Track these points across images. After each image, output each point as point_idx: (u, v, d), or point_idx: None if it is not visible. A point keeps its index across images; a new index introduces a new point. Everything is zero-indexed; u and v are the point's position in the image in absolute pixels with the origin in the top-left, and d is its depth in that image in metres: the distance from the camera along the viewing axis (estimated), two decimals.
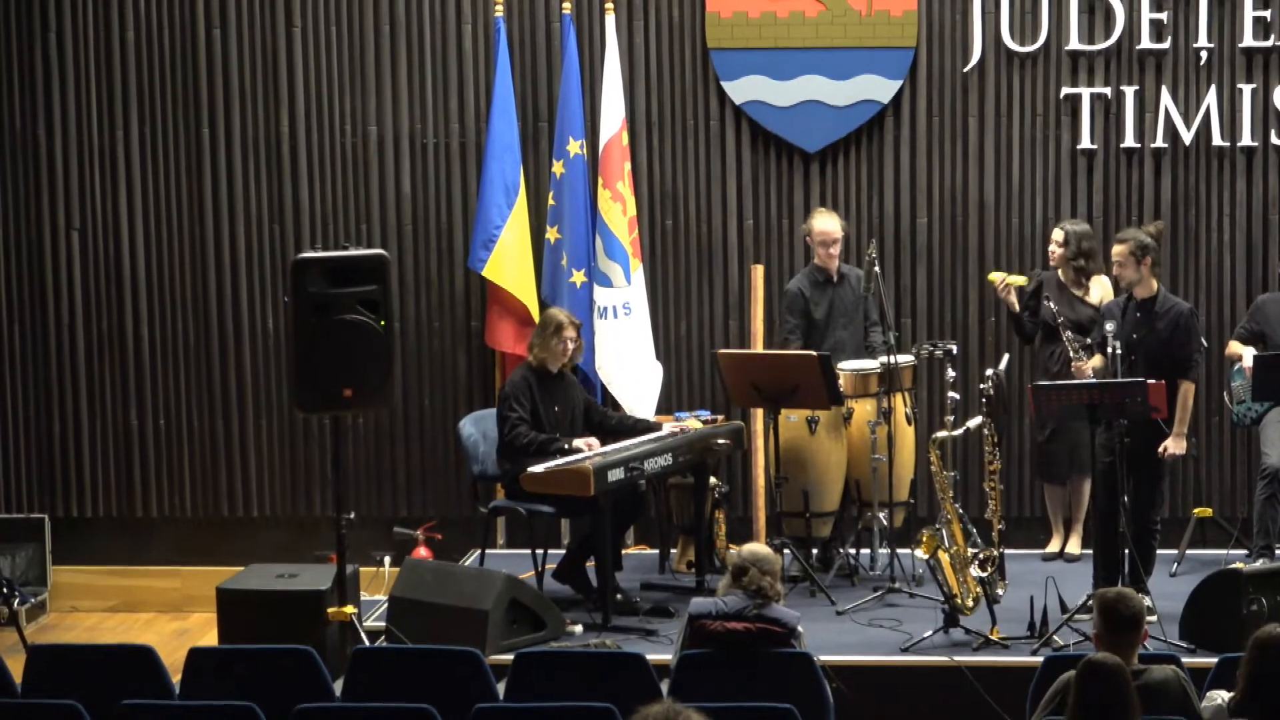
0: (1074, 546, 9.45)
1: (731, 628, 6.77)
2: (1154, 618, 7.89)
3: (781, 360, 8.93)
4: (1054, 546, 9.55)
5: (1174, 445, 8.41)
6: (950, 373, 8.75)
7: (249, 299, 10.15)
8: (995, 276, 9.25)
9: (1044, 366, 9.20)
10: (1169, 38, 9.68)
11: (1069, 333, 8.73)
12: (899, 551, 8.99)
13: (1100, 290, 9.24)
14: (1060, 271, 9.25)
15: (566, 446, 8.62)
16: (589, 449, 8.59)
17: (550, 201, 9.80)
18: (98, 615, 10.11)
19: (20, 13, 10.02)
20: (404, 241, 10.07)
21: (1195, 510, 9.70)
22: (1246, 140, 9.68)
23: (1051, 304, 8.92)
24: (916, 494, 9.44)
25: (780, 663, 6.71)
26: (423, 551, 9.85)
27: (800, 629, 6.92)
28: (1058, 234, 9.25)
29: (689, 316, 10.07)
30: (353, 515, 8.34)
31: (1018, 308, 9.23)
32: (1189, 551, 9.42)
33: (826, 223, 9.28)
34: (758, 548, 7.12)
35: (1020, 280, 9.21)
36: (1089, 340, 8.74)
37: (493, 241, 9.73)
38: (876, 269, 9.09)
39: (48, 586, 10.12)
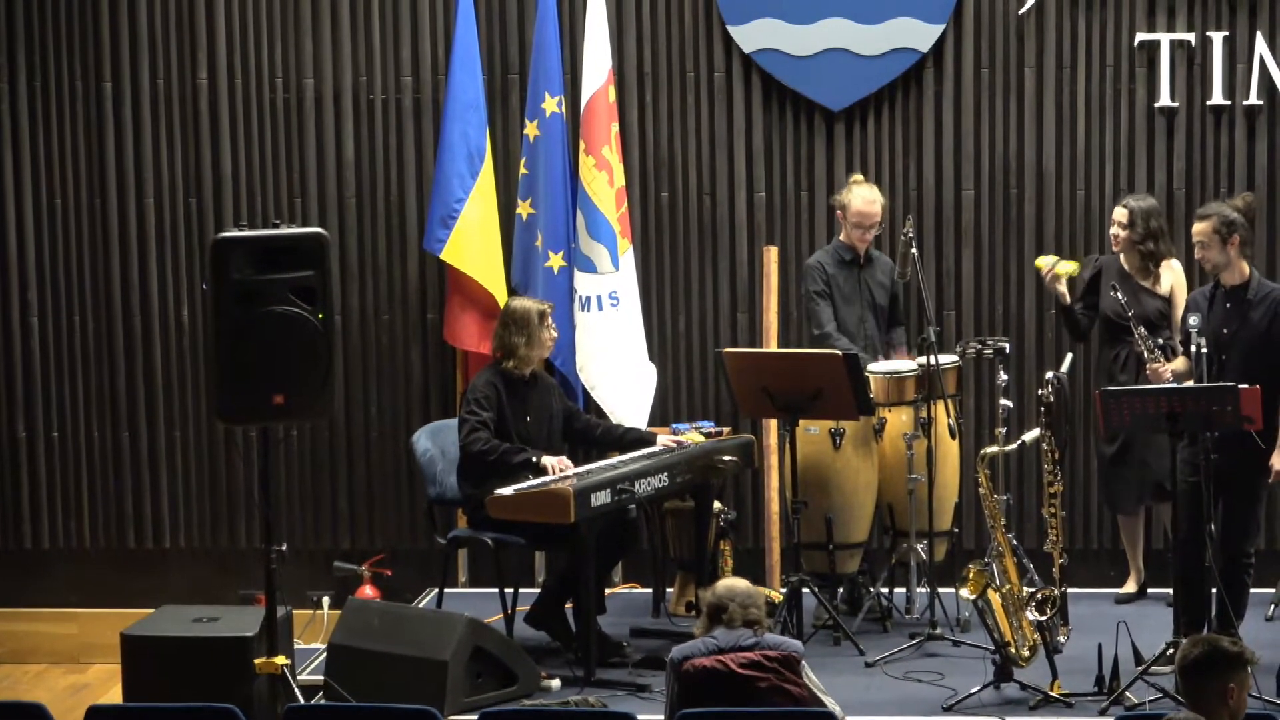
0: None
1: (738, 659, 6.73)
2: None
3: (800, 360, 8.89)
4: (1130, 586, 9.56)
5: (1278, 463, 8.36)
6: (1002, 376, 8.82)
7: (160, 287, 10.19)
8: (1042, 261, 9.24)
9: (1107, 371, 9.18)
10: None
11: (1141, 329, 8.67)
12: (941, 591, 9.00)
13: (1171, 278, 9.25)
14: (1123, 257, 9.20)
15: (533, 460, 8.63)
16: (560, 469, 8.58)
17: (522, 170, 9.84)
18: None
19: None
20: (346, 218, 10.14)
21: None
22: None
23: (1119, 294, 8.85)
24: (962, 522, 9.46)
25: None
26: (368, 590, 9.95)
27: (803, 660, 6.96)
28: (1120, 212, 9.21)
29: (689, 308, 10.12)
30: (284, 547, 8.19)
31: (1068, 299, 9.19)
32: None
33: (866, 202, 9.26)
34: (734, 582, 7.12)
35: (1071, 268, 9.20)
36: (1161, 340, 8.85)
37: (453, 218, 9.76)
38: (914, 251, 9.02)
39: None
